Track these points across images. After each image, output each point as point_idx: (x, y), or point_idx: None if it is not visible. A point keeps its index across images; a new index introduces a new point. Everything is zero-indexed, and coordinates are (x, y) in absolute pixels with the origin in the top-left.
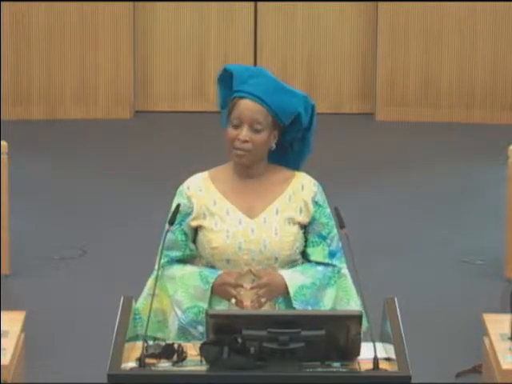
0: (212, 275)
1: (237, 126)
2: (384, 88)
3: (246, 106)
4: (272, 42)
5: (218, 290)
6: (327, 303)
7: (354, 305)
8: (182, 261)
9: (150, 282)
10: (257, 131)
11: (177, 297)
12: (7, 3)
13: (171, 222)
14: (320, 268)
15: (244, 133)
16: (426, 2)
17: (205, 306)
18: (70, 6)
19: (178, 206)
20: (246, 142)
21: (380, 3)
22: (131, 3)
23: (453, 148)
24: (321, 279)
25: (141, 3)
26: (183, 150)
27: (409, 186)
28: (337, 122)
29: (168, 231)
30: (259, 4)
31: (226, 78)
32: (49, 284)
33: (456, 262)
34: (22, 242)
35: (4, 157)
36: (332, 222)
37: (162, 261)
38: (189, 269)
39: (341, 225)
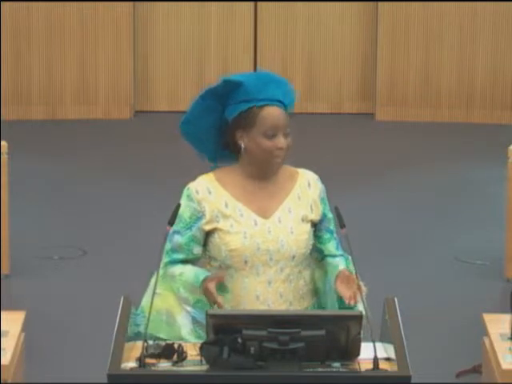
0: (204, 273)
1: (271, 136)
2: (384, 88)
3: (277, 114)
4: (272, 41)
5: (204, 293)
6: None
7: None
8: (185, 262)
9: (153, 280)
10: (287, 135)
11: (180, 294)
12: (7, 3)
13: (171, 223)
14: (337, 258)
15: (282, 141)
16: (426, 1)
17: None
18: (70, 7)
19: (178, 205)
20: (282, 148)
21: (380, 3)
22: (131, 3)
23: (453, 148)
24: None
25: (141, 3)
26: (183, 150)
27: (409, 185)
28: (337, 121)
29: (172, 232)
30: (259, 4)
31: (224, 93)
32: (49, 284)
33: (456, 262)
34: (22, 242)
35: (4, 157)
36: (332, 215)
37: (165, 260)
38: (188, 267)
39: (341, 224)
